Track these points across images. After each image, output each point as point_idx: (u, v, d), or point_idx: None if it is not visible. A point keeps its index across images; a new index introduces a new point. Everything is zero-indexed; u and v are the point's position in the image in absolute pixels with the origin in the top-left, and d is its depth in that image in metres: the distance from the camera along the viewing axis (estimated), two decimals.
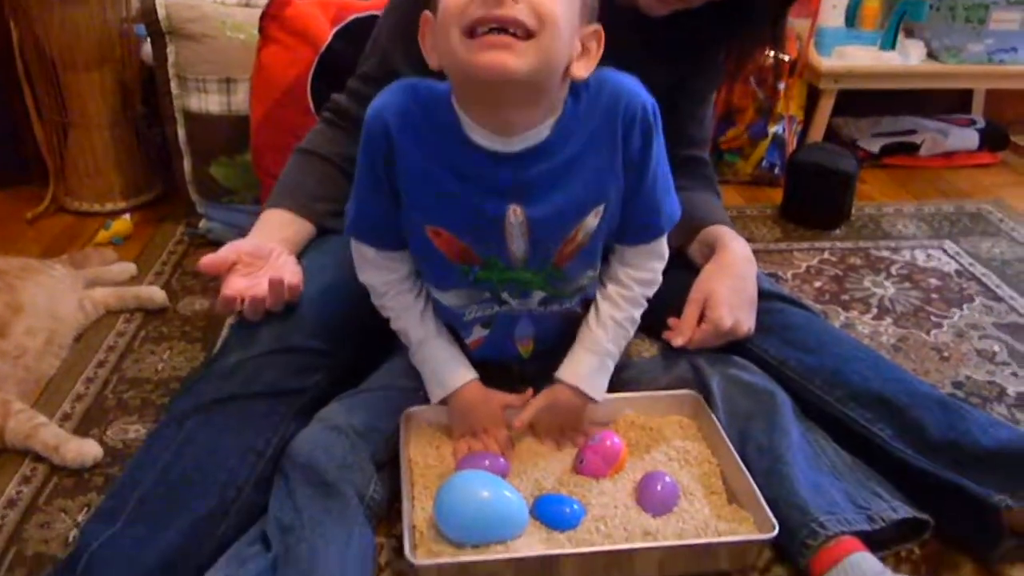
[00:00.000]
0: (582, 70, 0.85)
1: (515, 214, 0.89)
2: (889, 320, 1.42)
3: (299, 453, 0.92)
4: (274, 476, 0.93)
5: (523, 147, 0.87)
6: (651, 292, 1.00)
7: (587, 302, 1.01)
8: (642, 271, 0.99)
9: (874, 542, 0.89)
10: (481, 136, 0.87)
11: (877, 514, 0.91)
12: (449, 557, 0.87)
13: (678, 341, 1.06)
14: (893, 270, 1.59)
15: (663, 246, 0.99)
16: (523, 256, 0.92)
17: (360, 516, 0.89)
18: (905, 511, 0.92)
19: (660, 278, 1.00)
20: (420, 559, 0.86)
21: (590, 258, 0.96)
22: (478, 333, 1.01)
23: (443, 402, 1.01)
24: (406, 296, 0.98)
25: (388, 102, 0.89)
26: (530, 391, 1.02)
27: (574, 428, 1.02)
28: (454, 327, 1.01)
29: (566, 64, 0.83)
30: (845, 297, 1.49)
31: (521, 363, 1.06)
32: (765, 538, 0.88)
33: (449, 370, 1.00)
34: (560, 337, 1.02)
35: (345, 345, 1.05)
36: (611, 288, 0.99)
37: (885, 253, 1.65)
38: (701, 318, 1.07)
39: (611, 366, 1.01)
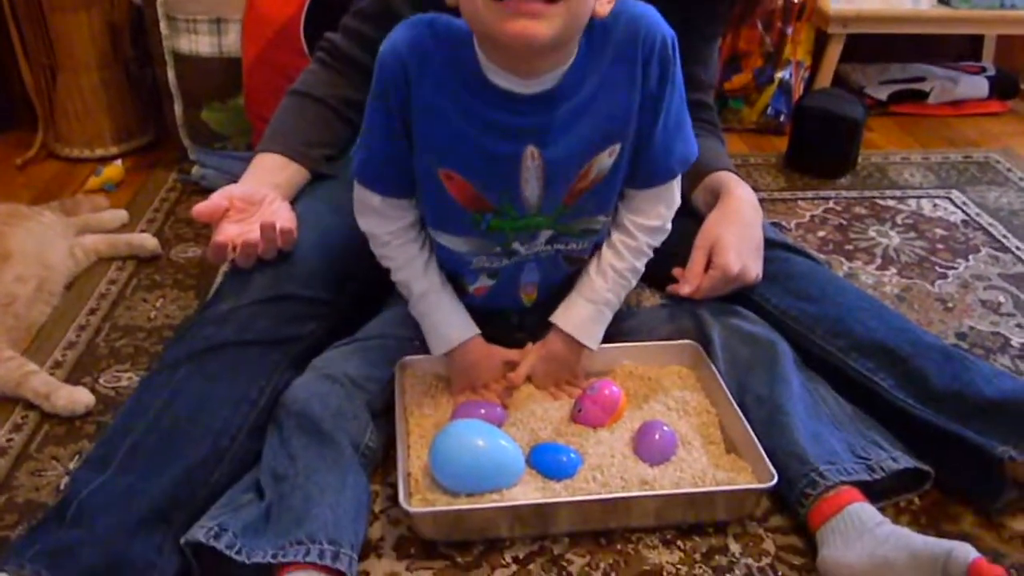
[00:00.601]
0: (605, 7, 0.81)
1: (532, 156, 0.86)
2: (893, 270, 1.39)
3: (293, 401, 0.91)
4: (268, 425, 0.91)
5: (543, 88, 0.84)
6: (658, 241, 0.98)
7: (597, 248, 0.99)
8: (650, 218, 0.96)
9: (873, 492, 0.88)
10: (501, 77, 0.83)
11: (877, 464, 0.90)
12: (444, 505, 0.86)
13: (685, 290, 1.04)
14: (899, 219, 1.56)
15: (674, 191, 0.97)
16: (537, 202, 0.90)
17: (355, 464, 0.88)
18: (906, 461, 0.91)
19: (669, 226, 0.98)
20: (415, 507, 0.85)
21: (602, 201, 0.93)
22: (483, 282, 0.99)
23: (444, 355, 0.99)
24: (410, 247, 0.95)
25: (405, 36, 0.84)
26: (529, 345, 1.01)
27: (570, 380, 1.01)
28: (459, 273, 0.99)
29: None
30: (849, 247, 1.46)
31: (521, 312, 1.04)
32: (764, 487, 0.87)
33: (451, 324, 0.97)
34: (563, 286, 1.01)
35: (341, 293, 1.03)
36: (615, 236, 0.97)
37: (891, 202, 1.63)
38: (708, 265, 1.04)
39: (609, 315, 1.00)
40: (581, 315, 0.98)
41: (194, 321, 0.99)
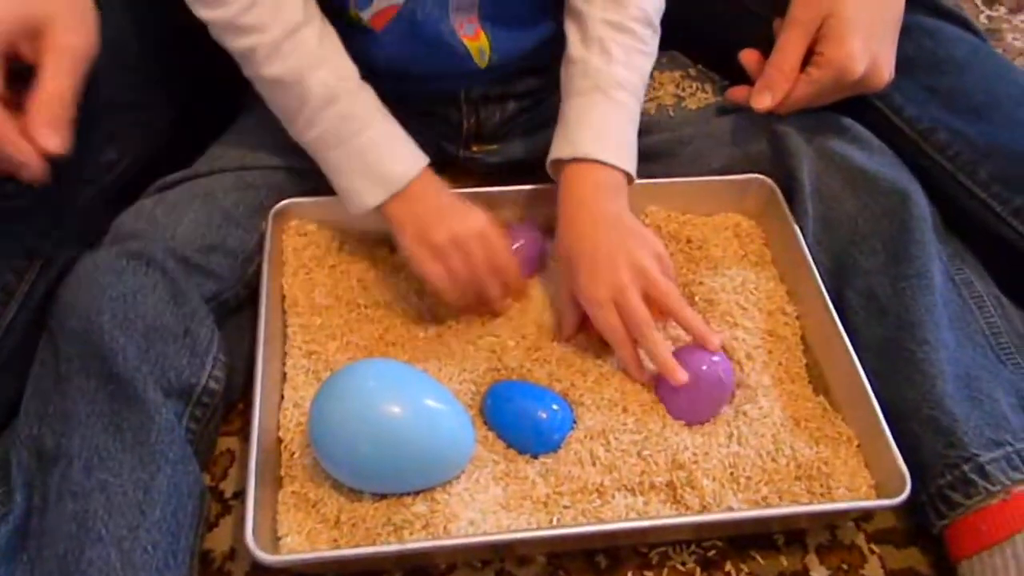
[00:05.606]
0: None
1: None
2: None
3: (73, 310, 0.52)
4: (37, 350, 0.54)
5: None
6: None
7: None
8: None
9: None
10: None
11: None
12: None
13: (764, 102, 0.61)
14: None
15: None
16: None
17: (173, 440, 0.50)
18: None
19: None
20: (281, 540, 0.49)
21: None
22: None
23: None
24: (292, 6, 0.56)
25: None
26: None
27: (665, 272, 0.57)
28: None
29: None
30: None
31: (471, 95, 0.66)
32: (884, 505, 0.50)
33: (391, 152, 0.57)
34: (531, 36, 0.63)
35: (164, 87, 0.62)
36: None
37: None
38: (808, 57, 0.59)
39: (637, 112, 0.61)
40: (608, 121, 0.58)
41: None
